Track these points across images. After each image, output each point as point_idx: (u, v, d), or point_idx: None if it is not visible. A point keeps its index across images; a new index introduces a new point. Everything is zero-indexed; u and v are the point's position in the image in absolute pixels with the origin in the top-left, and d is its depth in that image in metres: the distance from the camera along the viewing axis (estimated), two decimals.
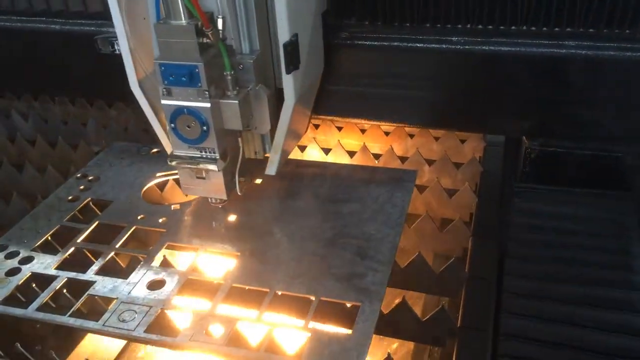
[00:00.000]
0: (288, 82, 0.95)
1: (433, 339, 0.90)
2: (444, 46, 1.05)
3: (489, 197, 1.16)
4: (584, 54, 1.00)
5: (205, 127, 0.92)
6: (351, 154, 1.35)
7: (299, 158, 1.37)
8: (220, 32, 0.90)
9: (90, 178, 1.23)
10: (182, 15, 0.86)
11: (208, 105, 0.91)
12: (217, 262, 1.00)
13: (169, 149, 1.03)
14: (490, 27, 1.03)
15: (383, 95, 1.14)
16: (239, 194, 1.03)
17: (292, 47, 0.91)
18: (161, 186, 1.22)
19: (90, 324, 0.87)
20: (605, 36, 0.99)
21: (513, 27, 1.02)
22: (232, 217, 1.08)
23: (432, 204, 1.20)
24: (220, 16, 0.89)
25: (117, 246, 1.03)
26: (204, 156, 0.96)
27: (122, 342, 1.07)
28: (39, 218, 1.12)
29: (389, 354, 0.82)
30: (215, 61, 0.90)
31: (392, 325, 0.92)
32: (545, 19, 0.99)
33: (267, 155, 1.08)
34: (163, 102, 0.93)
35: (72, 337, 1.02)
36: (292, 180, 1.18)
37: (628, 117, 1.05)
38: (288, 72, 0.93)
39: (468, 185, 1.18)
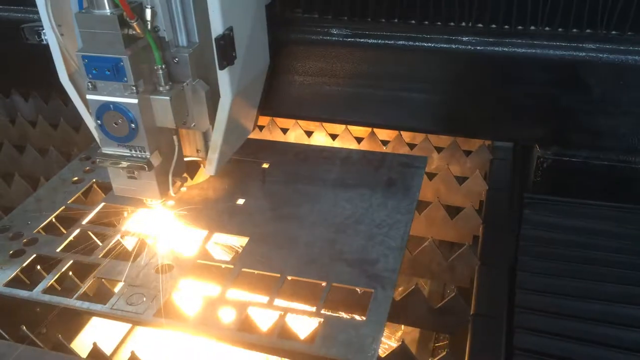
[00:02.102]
0: (223, 78, 0.89)
1: (448, 326, 0.89)
2: (453, 46, 1.01)
3: (499, 188, 1.15)
4: (605, 58, 0.95)
5: (133, 125, 0.85)
6: (359, 139, 1.33)
7: (306, 143, 1.35)
8: (149, 23, 0.83)
9: (94, 160, 1.21)
10: (106, 5, 0.80)
11: (135, 101, 0.84)
12: (226, 245, 0.99)
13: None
14: (515, 27, 0.99)
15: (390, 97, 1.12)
16: (172, 195, 0.97)
17: (225, 42, 0.86)
18: None
19: (97, 307, 0.86)
20: (629, 40, 0.94)
21: (531, 27, 0.98)
22: (241, 201, 1.07)
23: (441, 191, 1.19)
24: (148, 6, 0.83)
25: (123, 228, 1.01)
26: (134, 155, 0.89)
27: (127, 326, 1.05)
28: (42, 199, 1.10)
29: (402, 341, 0.81)
30: (145, 54, 0.84)
31: (403, 312, 0.91)
32: (564, 19, 0.95)
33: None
34: (88, 96, 0.86)
35: (76, 320, 1.01)
36: (301, 165, 1.17)
37: None
38: (221, 67, 0.87)
39: (478, 172, 1.16)
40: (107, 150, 0.90)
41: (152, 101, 0.86)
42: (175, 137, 0.94)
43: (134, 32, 0.81)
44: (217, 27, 0.86)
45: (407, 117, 1.12)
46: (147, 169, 0.88)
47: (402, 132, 1.30)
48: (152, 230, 1.01)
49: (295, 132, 1.37)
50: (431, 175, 1.19)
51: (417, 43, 1.03)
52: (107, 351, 0.96)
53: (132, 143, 0.88)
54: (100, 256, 0.95)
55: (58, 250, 0.97)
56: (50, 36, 0.91)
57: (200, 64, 0.90)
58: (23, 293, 0.89)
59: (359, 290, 0.87)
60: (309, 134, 1.37)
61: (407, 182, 1.11)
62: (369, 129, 1.32)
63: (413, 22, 1.03)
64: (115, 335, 1.05)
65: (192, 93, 0.90)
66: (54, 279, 0.91)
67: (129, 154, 0.89)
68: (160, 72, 0.86)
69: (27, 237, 0.99)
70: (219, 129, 0.95)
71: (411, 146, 1.30)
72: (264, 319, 0.84)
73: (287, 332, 0.81)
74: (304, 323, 0.83)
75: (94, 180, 1.14)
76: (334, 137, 1.36)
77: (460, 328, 0.90)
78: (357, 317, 0.82)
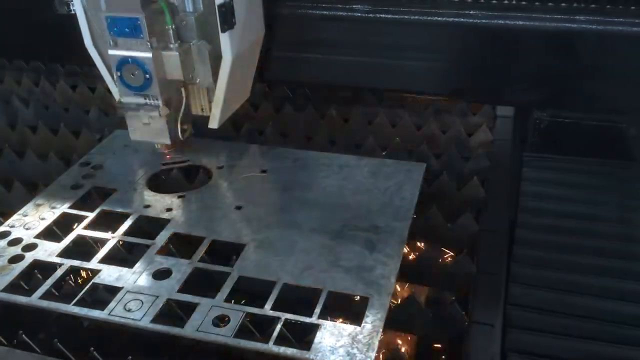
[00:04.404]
0: (225, 41, 1.03)
1: (445, 334, 0.89)
2: (463, 20, 1.12)
3: (497, 190, 1.16)
4: (594, 28, 1.05)
5: (147, 76, 1.02)
6: (358, 145, 1.33)
7: (305, 150, 1.35)
8: None
9: (93, 166, 1.22)
10: None
11: (150, 55, 1.00)
12: (224, 251, 0.99)
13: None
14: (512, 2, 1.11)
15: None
16: (181, 139, 1.12)
17: (226, 9, 1.00)
18: (166, 175, 1.20)
19: (95, 312, 0.86)
20: (615, 12, 1.04)
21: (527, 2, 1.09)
22: (238, 207, 1.07)
23: (439, 198, 1.19)
24: None
25: (121, 234, 1.02)
26: (148, 103, 1.05)
27: None
28: (41, 205, 1.10)
29: (397, 347, 0.81)
30: (157, 16, 1.00)
31: (400, 319, 0.91)
32: None
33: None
34: (110, 52, 1.02)
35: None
36: (299, 172, 1.17)
37: (634, 90, 1.11)
38: (223, 30, 1.02)
39: (476, 178, 1.17)
40: (125, 99, 1.06)
41: (164, 56, 1.02)
42: (182, 90, 1.08)
43: None
44: None
45: (418, 82, 1.25)
46: (160, 114, 1.03)
47: (400, 138, 1.31)
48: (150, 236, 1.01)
49: (295, 137, 1.37)
50: (429, 182, 1.19)
51: (428, 17, 1.14)
52: None
53: (147, 92, 1.04)
54: (98, 261, 0.96)
55: (56, 255, 0.97)
56: (77, 4, 1.07)
57: (204, 28, 1.05)
58: (21, 299, 0.89)
59: (355, 297, 0.87)
60: (308, 139, 1.37)
61: (405, 188, 1.11)
62: (367, 137, 1.33)
63: None
64: None
65: (197, 52, 1.04)
66: (51, 284, 0.91)
67: (144, 102, 1.05)
68: (170, 31, 1.01)
69: (26, 243, 1.00)
70: (221, 86, 1.09)
71: (410, 152, 1.30)
72: (261, 325, 0.84)
73: (284, 339, 0.81)
74: (300, 329, 0.83)
75: (93, 186, 1.15)
76: (332, 142, 1.36)
77: (457, 336, 0.89)
78: (354, 324, 0.82)
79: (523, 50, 1.13)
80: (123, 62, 1.02)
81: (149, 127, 1.08)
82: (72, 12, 1.13)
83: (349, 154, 1.24)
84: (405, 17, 1.15)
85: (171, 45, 1.02)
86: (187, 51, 1.04)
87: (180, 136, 1.12)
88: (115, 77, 1.04)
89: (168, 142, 1.11)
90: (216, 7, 0.99)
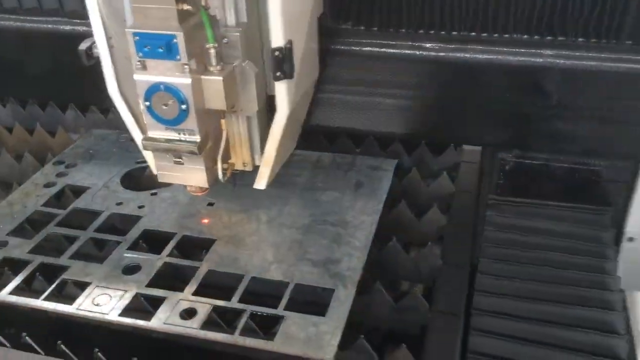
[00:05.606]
0: (280, 92, 0.88)
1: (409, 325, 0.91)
2: (417, 52, 1.04)
3: (465, 189, 1.17)
4: (562, 63, 0.98)
5: (184, 106, 0.83)
6: (330, 141, 1.34)
7: None
8: None
9: (67, 164, 1.23)
10: None
11: (188, 81, 0.82)
12: (194, 247, 1.00)
13: (152, 164, 0.96)
14: (472, 34, 1.02)
15: (361, 103, 1.14)
16: (222, 181, 0.96)
17: (283, 55, 0.84)
18: (139, 173, 1.21)
19: (64, 307, 0.87)
20: (585, 46, 0.97)
21: (490, 34, 1.01)
22: (211, 204, 1.08)
23: (409, 193, 1.21)
24: None
25: (92, 231, 1.03)
26: (183, 139, 0.87)
27: None
28: (14, 204, 1.11)
29: (362, 337, 0.83)
30: (196, 32, 0.82)
31: (365, 310, 0.92)
32: (522, 26, 0.99)
33: (257, 165, 1.02)
34: (136, 77, 0.83)
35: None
36: None
37: (607, 130, 1.03)
38: (277, 79, 0.86)
39: (446, 174, 1.18)
40: (153, 134, 0.88)
41: (204, 82, 0.84)
42: (223, 121, 0.92)
43: (188, 7, 0.79)
44: (277, 40, 0.83)
45: (375, 121, 1.15)
46: (198, 152, 0.86)
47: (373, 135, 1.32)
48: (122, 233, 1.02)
49: None
50: (400, 177, 1.21)
51: (382, 50, 1.06)
52: None
53: (182, 126, 0.86)
54: (68, 258, 0.96)
55: (27, 252, 0.98)
56: (102, 47, 0.91)
57: (248, 44, 0.88)
58: None
59: (321, 288, 0.89)
60: None
61: (375, 184, 1.13)
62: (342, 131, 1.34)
63: (403, 30, 1.04)
64: None
65: (240, 75, 0.88)
66: (21, 280, 0.92)
67: (177, 138, 0.87)
68: (213, 50, 0.83)
69: None
70: (273, 143, 0.93)
71: (382, 147, 1.31)
72: (227, 317, 0.85)
73: (249, 330, 0.83)
74: (266, 321, 0.84)
75: (66, 184, 1.16)
76: (305, 137, 1.37)
77: (420, 326, 0.91)
78: (319, 315, 0.84)
79: (484, 86, 1.05)
80: (153, 89, 0.83)
81: (182, 167, 0.91)
82: (95, 55, 0.93)
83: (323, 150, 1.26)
84: (353, 48, 1.06)
85: (212, 68, 0.84)
86: (231, 74, 0.86)
87: (220, 177, 0.95)
88: (142, 107, 0.86)
89: (206, 185, 0.93)
90: (270, 52, 0.84)
